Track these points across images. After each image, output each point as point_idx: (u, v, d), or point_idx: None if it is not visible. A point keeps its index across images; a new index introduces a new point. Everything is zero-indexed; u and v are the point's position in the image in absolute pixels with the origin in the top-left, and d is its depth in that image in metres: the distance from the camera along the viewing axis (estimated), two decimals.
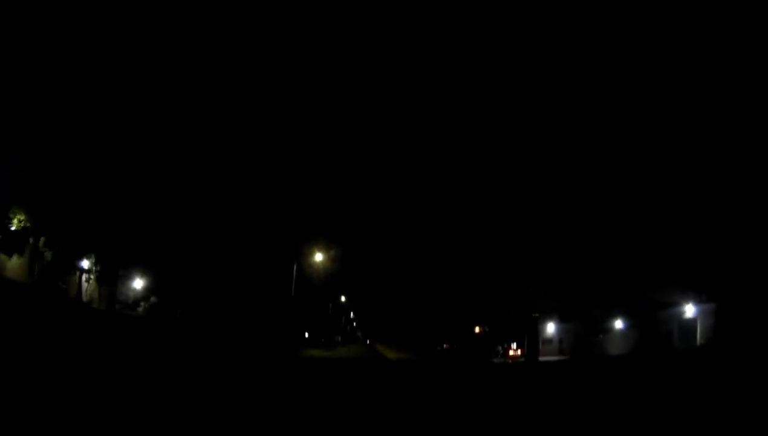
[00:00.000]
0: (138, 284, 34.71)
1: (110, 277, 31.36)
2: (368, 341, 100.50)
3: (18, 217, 23.74)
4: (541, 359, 43.35)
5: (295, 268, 37.03)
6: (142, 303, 35.08)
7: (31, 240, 25.21)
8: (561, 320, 48.81)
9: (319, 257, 38.28)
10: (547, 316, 51.08)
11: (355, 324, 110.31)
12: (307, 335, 51.57)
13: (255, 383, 15.36)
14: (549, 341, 51.37)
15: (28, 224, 24.12)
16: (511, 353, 51.17)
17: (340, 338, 71.90)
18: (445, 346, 71.19)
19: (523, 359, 47.25)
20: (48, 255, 26.26)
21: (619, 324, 35.83)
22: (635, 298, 33.99)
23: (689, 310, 30.85)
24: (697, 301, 30.41)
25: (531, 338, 49.63)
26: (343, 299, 74.62)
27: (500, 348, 53.21)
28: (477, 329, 65.84)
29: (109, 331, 24.21)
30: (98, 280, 29.93)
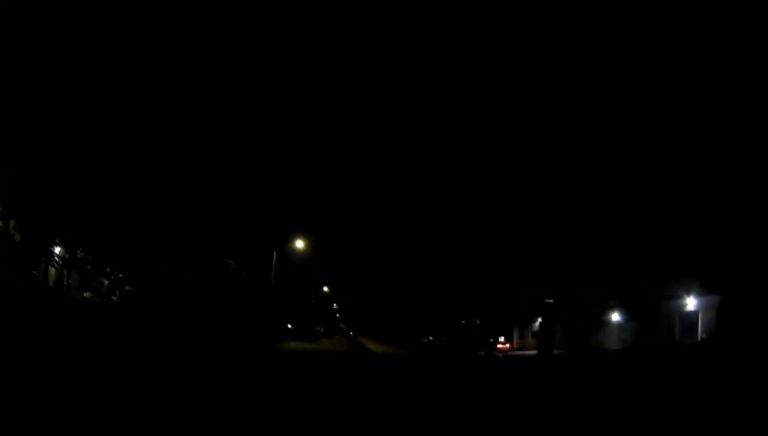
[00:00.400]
0: (113, 271, 33.00)
1: (83, 264, 29.66)
2: (352, 333, 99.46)
3: None
4: (530, 353, 42.41)
5: (275, 256, 35.26)
6: (116, 292, 33.30)
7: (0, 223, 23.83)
8: (552, 313, 47.83)
9: (301, 245, 36.44)
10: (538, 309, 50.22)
11: (338, 316, 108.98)
12: (290, 326, 50.00)
13: (222, 375, 14.32)
14: (538, 333, 50.49)
15: None
16: (499, 346, 50.06)
17: (323, 330, 70.39)
18: (431, 338, 70.21)
19: (512, 352, 46.19)
20: (17, 237, 24.38)
21: (615, 317, 34.64)
22: (632, 289, 32.82)
23: (690, 302, 29.81)
24: (699, 293, 29.38)
25: (545, 328, 47.78)
26: (326, 289, 73.05)
27: (491, 340, 52.09)
28: (463, 321, 64.98)
29: (81, 320, 22.77)
30: (70, 266, 28.18)
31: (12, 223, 24.35)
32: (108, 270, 32.56)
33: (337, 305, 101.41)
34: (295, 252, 41.25)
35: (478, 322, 59.69)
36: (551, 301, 40.15)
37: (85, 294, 30.36)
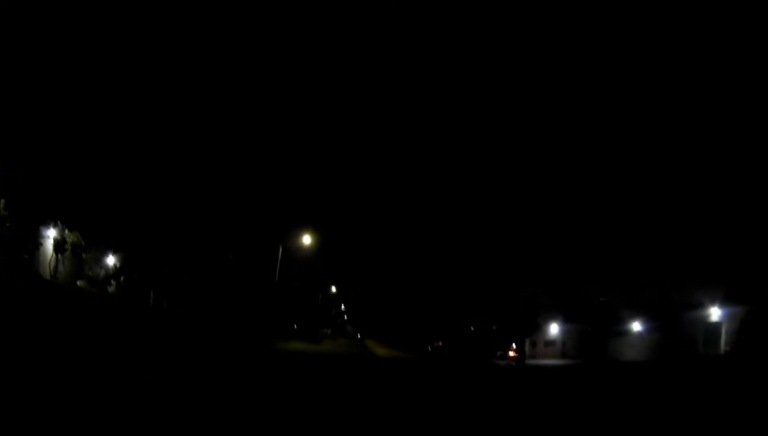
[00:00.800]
0: (110, 260, 32.29)
1: (78, 250, 28.84)
2: (358, 336, 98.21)
3: None
4: (542, 362, 41.10)
5: (280, 251, 34.20)
6: (112, 281, 32.43)
7: None
8: (566, 320, 46.43)
9: (308, 241, 35.26)
10: (551, 316, 48.87)
11: (345, 317, 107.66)
12: (296, 326, 48.99)
13: (213, 375, 13.78)
14: (552, 342, 49.14)
15: None
16: (511, 353, 48.60)
17: (329, 331, 69.34)
18: (437, 344, 68.85)
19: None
20: (5, 213, 23.64)
21: (637, 326, 33.15)
22: (654, 297, 31.41)
23: (714, 313, 28.44)
24: (723, 303, 28.04)
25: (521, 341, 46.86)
26: (333, 289, 71.99)
27: (500, 352, 50.60)
28: (472, 328, 63.63)
29: (72, 312, 21.89)
30: (64, 251, 27.38)
31: (2, 202, 23.42)
32: (104, 258, 31.82)
33: (345, 306, 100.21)
34: (300, 250, 40.23)
35: (494, 327, 58.19)
36: (605, 299, 37.98)
37: (79, 283, 29.51)
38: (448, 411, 11.52)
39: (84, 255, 29.19)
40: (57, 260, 27.05)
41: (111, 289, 31.52)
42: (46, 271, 27.40)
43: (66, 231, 27.40)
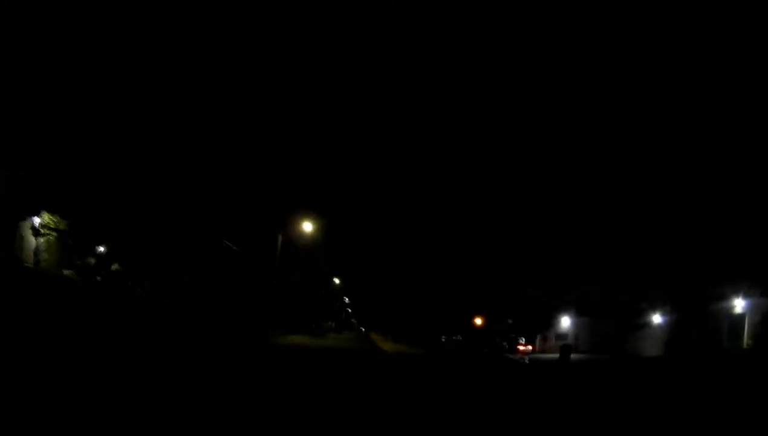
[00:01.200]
0: (100, 248, 31.26)
1: (66, 237, 27.81)
2: (363, 330, 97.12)
3: None
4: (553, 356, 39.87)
5: (280, 240, 32.82)
6: (102, 271, 31.27)
7: None
8: (578, 313, 45.15)
9: (309, 229, 33.78)
10: (563, 309, 47.65)
11: (350, 310, 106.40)
12: (295, 319, 47.77)
13: (205, 371, 12.81)
14: (563, 336, 47.87)
15: None
16: (521, 348, 47.34)
17: (333, 325, 68.22)
18: (449, 338, 67.72)
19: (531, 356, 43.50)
20: None
21: (657, 319, 31.75)
22: (675, 288, 30.00)
23: (738, 304, 27.11)
24: (747, 294, 26.70)
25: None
26: (337, 282, 70.76)
27: (505, 343, 49.34)
28: (479, 322, 62.45)
29: (56, 302, 20.80)
30: (37, 234, 26.35)
31: None
32: (94, 246, 30.70)
33: (349, 299, 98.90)
34: (302, 239, 38.91)
35: (510, 321, 56.92)
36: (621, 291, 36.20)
37: (66, 272, 28.38)
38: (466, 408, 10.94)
39: (70, 242, 28.01)
40: (38, 246, 25.94)
41: (99, 279, 30.37)
42: (30, 258, 26.39)
43: (47, 216, 26.23)
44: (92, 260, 31.18)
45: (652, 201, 33.65)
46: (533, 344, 49.97)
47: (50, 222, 26.97)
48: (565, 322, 47.73)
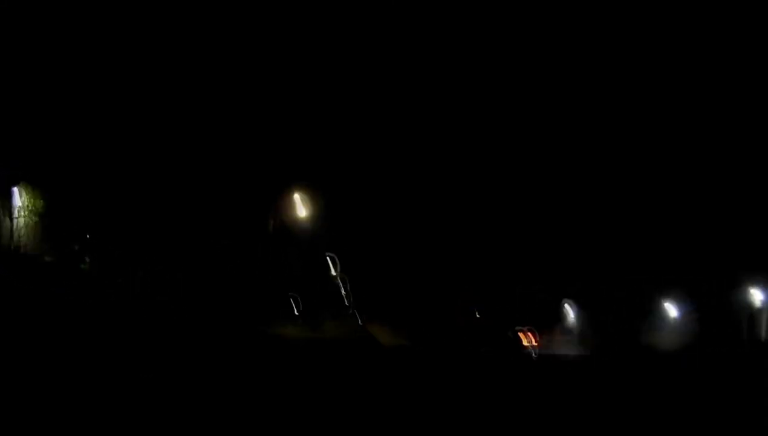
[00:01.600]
0: (88, 235, 29.71)
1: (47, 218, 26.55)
2: (362, 319, 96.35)
3: None
4: (562, 352, 38.96)
5: (271, 226, 31.39)
6: (86, 259, 30.06)
7: None
8: (585, 306, 43.95)
9: (304, 210, 32.19)
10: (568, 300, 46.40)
11: (350, 299, 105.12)
12: (294, 306, 46.50)
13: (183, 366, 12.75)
14: (568, 330, 46.71)
15: None
16: (525, 342, 46.10)
17: (330, 314, 67.14)
18: (447, 327, 66.76)
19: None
20: None
21: (672, 312, 30.75)
22: (693, 278, 29.02)
23: (756, 296, 26.32)
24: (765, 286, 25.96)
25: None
26: (337, 268, 69.37)
27: (510, 334, 48.21)
28: (477, 315, 61.30)
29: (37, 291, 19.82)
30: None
31: None
32: (80, 230, 29.50)
33: (350, 285, 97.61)
34: (299, 219, 37.41)
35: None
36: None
37: (47, 258, 27.21)
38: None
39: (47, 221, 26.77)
40: (12, 227, 24.84)
41: (84, 267, 29.13)
42: (8, 242, 25.30)
43: (24, 194, 25.06)
44: (76, 246, 30.04)
45: (669, 190, 32.49)
46: (538, 338, 48.82)
47: (29, 199, 25.85)
48: (571, 314, 46.52)
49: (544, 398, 13.73)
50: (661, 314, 31.24)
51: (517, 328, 49.24)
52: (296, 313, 51.10)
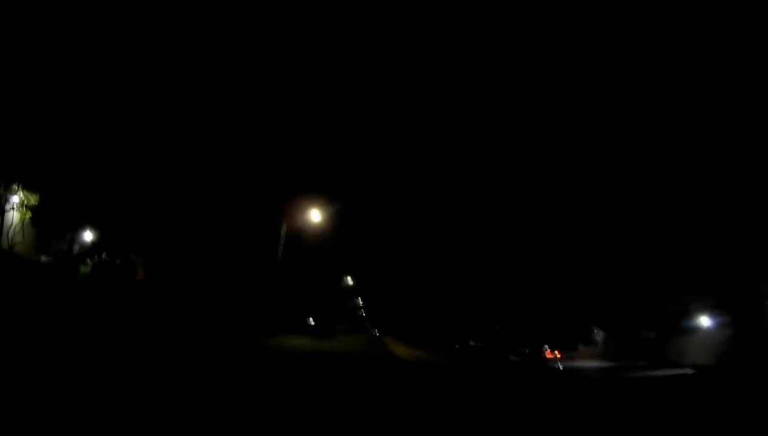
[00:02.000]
0: (88, 235, 29.66)
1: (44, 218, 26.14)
2: (376, 332, 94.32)
3: None
4: (585, 365, 37.56)
5: (283, 232, 30.68)
6: (87, 260, 29.52)
7: None
8: (603, 316, 42.60)
9: (317, 219, 31.38)
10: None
11: (363, 314, 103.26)
12: (299, 318, 45.70)
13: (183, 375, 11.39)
14: (593, 342, 45.39)
15: None
16: (548, 355, 44.76)
17: (342, 327, 66.13)
18: (468, 343, 65.31)
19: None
20: None
21: (705, 322, 29.02)
22: (728, 285, 27.44)
23: None
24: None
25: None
26: (350, 281, 68.63)
27: (525, 350, 46.86)
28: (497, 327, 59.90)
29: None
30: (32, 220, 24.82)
31: None
32: (81, 232, 28.92)
33: (363, 300, 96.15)
34: (310, 234, 36.85)
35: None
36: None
37: (43, 258, 26.64)
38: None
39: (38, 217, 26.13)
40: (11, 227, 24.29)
41: (85, 269, 28.49)
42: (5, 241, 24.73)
43: (21, 192, 24.53)
44: (76, 248, 29.51)
45: (669, 190, 31.14)
46: (561, 351, 47.46)
47: (25, 197, 25.32)
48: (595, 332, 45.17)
49: (571, 410, 12.74)
50: (692, 326, 29.53)
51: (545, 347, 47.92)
52: (311, 323, 50.34)
